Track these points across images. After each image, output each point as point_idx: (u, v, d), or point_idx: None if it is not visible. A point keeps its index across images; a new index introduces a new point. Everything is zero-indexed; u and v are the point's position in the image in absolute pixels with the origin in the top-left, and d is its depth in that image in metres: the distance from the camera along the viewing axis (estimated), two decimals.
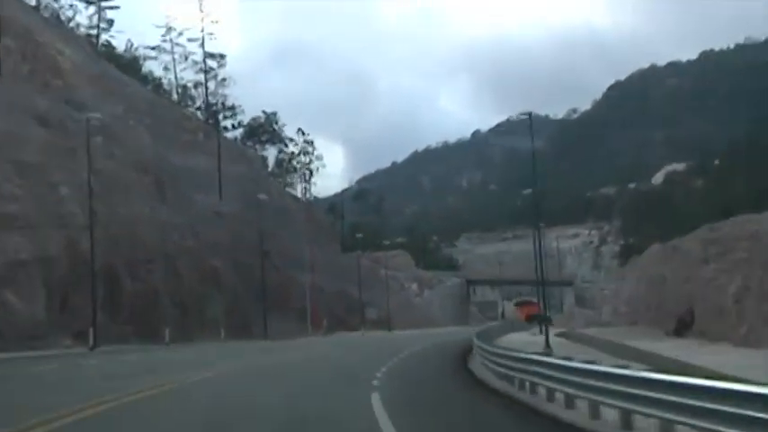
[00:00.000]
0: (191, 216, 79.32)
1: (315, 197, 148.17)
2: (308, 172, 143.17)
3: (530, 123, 44.95)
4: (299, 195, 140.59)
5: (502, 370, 23.94)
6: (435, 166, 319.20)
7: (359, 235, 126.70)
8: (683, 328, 47.99)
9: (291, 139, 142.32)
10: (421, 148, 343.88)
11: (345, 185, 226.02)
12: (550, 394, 18.75)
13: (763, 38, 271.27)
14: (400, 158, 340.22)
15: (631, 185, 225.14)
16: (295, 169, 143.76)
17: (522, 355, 21.55)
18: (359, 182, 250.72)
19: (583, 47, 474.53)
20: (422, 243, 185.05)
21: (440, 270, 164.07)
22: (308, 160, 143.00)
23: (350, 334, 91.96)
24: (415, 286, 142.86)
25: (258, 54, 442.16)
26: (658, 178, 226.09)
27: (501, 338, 51.97)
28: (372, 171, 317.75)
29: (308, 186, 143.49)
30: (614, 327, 59.97)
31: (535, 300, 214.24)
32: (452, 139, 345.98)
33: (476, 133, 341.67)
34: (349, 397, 20.27)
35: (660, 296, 54.35)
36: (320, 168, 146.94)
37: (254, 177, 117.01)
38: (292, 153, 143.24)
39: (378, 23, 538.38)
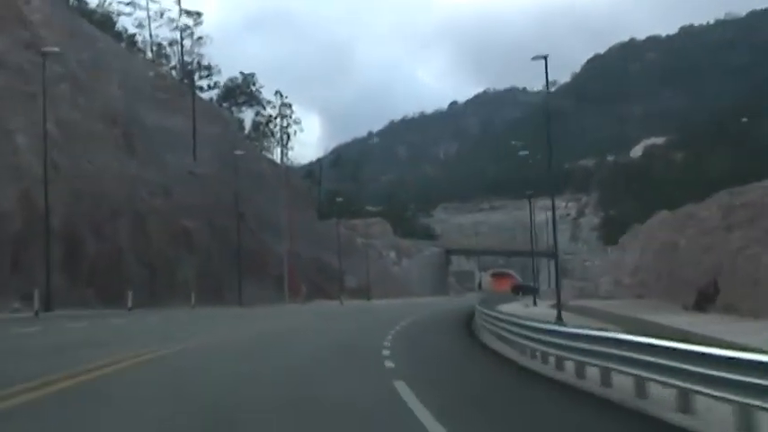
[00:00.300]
0: (162, 174, 73.13)
1: (291, 163, 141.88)
2: (285, 136, 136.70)
3: (545, 67, 38.90)
4: (276, 160, 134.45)
5: (553, 351, 18.31)
6: (412, 136, 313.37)
7: (339, 199, 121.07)
8: (704, 301, 42.63)
9: (269, 102, 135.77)
10: (397, 117, 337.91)
11: (321, 154, 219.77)
12: (641, 388, 13.22)
13: (744, 13, 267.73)
14: (377, 128, 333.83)
15: (610, 158, 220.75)
16: (272, 133, 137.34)
17: (594, 333, 15.91)
18: (334, 150, 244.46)
19: (562, 19, 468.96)
20: (399, 211, 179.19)
21: (418, 239, 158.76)
22: (285, 124, 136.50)
23: (328, 303, 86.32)
24: (392, 255, 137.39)
25: (235, 20, 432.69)
26: (637, 151, 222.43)
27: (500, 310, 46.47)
28: (349, 140, 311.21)
29: (285, 151, 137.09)
30: (618, 299, 54.58)
31: (510, 271, 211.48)
32: (429, 109, 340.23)
33: (453, 104, 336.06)
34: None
35: (673, 267, 49.01)
36: (298, 132, 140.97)
37: (231, 139, 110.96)
38: (270, 116, 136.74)
39: None
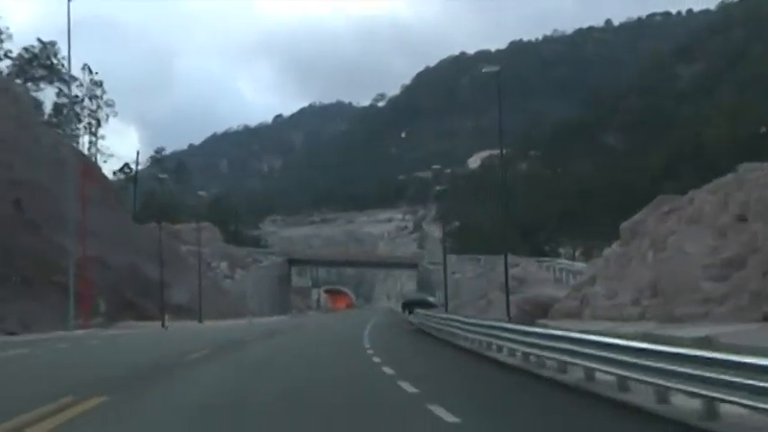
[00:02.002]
0: None
1: (103, 156, 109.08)
2: (95, 121, 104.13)
3: None
4: (84, 151, 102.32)
5: None
6: (235, 149, 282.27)
7: (163, 175, 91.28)
8: None
9: (75, 79, 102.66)
10: (220, 131, 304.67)
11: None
12: None
13: (570, 31, 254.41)
14: (198, 141, 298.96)
15: (447, 170, 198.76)
16: (78, 117, 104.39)
17: None
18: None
19: (389, 33, 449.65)
20: (227, 219, 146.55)
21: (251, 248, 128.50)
22: (95, 106, 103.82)
23: (143, 326, 55.60)
24: (224, 266, 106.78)
25: (47, 27, 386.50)
26: (473, 162, 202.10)
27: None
28: (168, 153, 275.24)
29: (94, 140, 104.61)
30: (697, 323, 27.01)
31: (345, 289, 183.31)
32: (253, 122, 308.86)
33: (278, 118, 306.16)
34: None
35: None
36: (110, 117, 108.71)
37: (24, 120, 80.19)
38: (76, 96, 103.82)
39: (178, 2, 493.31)
